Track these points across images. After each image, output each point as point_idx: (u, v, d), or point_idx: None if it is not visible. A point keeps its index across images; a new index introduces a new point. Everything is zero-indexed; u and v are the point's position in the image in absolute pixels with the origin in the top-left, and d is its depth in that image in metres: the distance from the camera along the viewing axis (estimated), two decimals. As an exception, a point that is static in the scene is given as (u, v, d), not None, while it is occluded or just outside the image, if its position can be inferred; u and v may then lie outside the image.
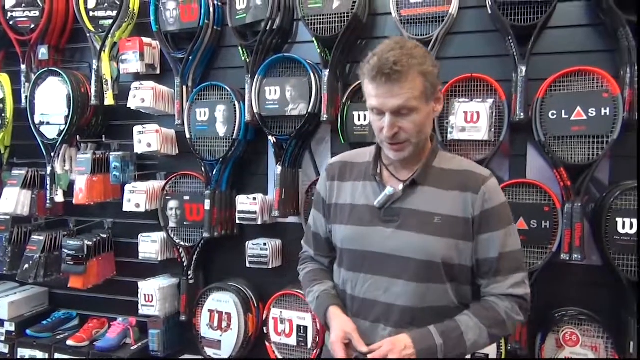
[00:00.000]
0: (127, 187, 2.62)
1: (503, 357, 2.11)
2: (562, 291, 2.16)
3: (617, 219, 1.96)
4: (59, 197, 2.73)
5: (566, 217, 2.01)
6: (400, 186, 1.36)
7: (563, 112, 2.00)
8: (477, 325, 1.32)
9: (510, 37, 2.07)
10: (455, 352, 1.30)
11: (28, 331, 2.78)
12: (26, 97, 2.77)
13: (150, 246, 2.62)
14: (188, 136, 2.52)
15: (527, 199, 2.10)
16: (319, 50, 2.31)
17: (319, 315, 1.46)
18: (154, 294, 2.56)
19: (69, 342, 2.66)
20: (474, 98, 2.14)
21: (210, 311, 2.52)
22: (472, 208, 1.33)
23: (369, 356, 1.26)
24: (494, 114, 2.11)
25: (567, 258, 2.00)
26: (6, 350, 2.76)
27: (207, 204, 2.46)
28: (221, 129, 2.47)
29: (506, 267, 1.34)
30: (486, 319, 1.33)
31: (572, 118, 1.99)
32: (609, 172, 2.08)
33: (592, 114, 1.97)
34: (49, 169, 2.72)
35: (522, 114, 2.05)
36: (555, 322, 2.09)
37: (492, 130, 2.11)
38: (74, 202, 2.67)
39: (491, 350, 2.14)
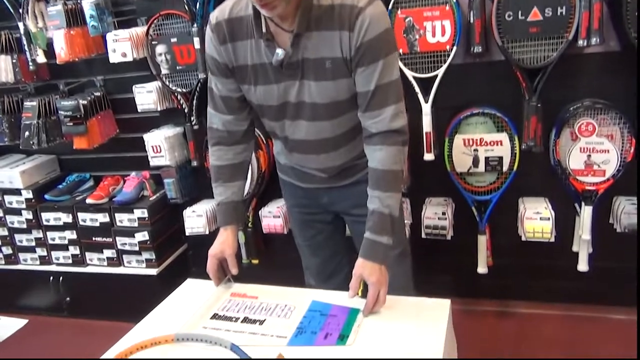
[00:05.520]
0: (109, 37, 2.43)
1: (517, 156, 2.11)
2: (578, 84, 2.09)
3: (640, -4, 1.79)
4: (41, 57, 2.57)
5: (584, -1, 1.84)
6: (288, 42, 1.32)
7: None
8: (391, 196, 1.37)
9: None
10: (396, 226, 1.39)
11: (46, 196, 2.82)
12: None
13: (146, 97, 2.52)
14: (162, -32, 2.28)
15: (540, -15, 1.92)
16: None
17: (218, 224, 1.57)
18: (161, 144, 2.53)
19: (89, 201, 2.70)
20: None
21: (220, 153, 2.50)
22: (349, 46, 1.30)
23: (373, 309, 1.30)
24: None
25: (585, 44, 1.87)
26: (30, 216, 2.83)
27: (197, 42, 2.30)
28: (197, -46, 2.22)
29: (383, 98, 1.35)
30: (391, 186, 1.37)
31: None
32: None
33: None
34: (21, 28, 2.52)
35: None
36: (571, 115, 2.04)
37: None
38: (57, 61, 2.50)
39: (505, 153, 2.14)
